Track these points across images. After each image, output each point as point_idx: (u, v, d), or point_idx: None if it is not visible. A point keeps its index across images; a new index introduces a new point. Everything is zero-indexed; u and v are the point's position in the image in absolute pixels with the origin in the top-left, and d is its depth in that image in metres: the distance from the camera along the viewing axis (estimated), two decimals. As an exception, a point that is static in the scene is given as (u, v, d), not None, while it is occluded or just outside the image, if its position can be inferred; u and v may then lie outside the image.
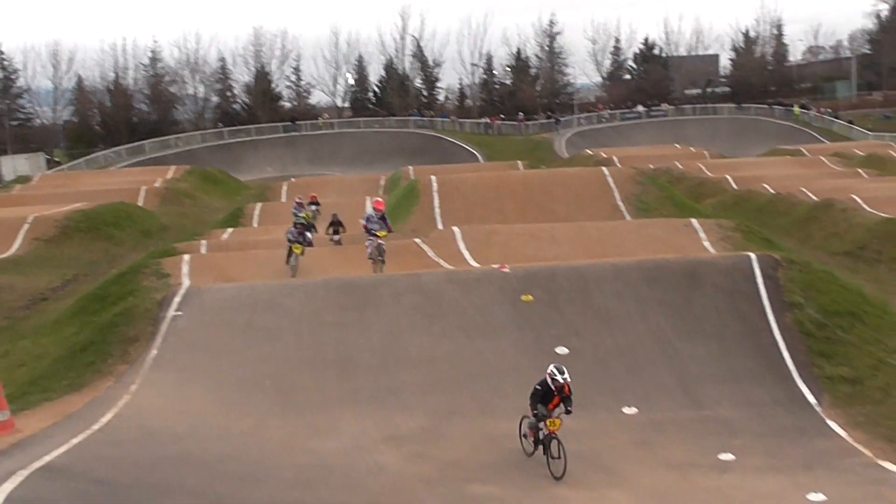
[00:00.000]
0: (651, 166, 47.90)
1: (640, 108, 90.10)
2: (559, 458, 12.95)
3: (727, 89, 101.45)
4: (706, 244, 23.54)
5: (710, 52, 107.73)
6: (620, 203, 33.26)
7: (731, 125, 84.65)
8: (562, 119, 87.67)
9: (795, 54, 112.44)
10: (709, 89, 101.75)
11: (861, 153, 57.79)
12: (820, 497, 12.38)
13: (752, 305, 18.51)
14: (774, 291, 18.75)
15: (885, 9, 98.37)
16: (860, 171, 49.69)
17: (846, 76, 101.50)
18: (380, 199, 24.26)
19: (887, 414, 15.23)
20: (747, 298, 18.69)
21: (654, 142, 74.04)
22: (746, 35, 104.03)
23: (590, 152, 65.58)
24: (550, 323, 18.28)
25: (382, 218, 22.26)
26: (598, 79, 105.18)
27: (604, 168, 40.94)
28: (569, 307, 18.75)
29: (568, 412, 13.16)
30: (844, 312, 18.52)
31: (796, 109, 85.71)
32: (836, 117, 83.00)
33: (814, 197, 37.60)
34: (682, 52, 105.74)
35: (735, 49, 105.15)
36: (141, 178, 53.04)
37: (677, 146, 68.05)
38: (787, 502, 12.29)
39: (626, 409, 15.87)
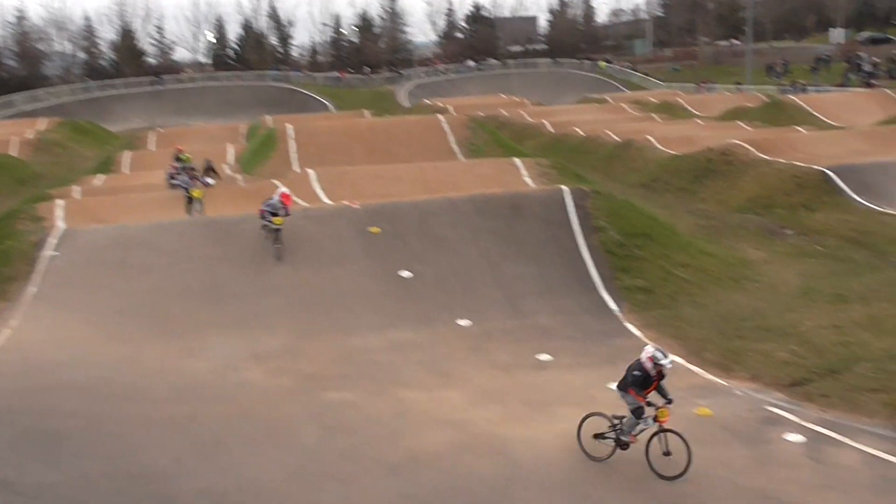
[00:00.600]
0: (480, 114, 48.26)
1: (471, 63, 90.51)
2: (670, 454, 10.13)
3: (545, 46, 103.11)
4: (527, 180, 24.12)
5: (530, 14, 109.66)
6: (455, 146, 33.54)
7: (549, 77, 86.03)
8: (403, 73, 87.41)
9: (601, 16, 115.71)
10: (529, 46, 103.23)
11: (655, 101, 59.85)
12: (619, 385, 13.16)
13: (565, 230, 19.21)
14: (583, 218, 19.49)
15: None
16: (654, 115, 51.55)
17: (643, 35, 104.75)
18: (287, 192, 19.33)
19: (673, 316, 16.20)
20: (561, 225, 19.37)
21: (483, 92, 74.50)
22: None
23: (428, 102, 65.49)
24: (395, 251, 18.48)
25: (284, 208, 18.52)
26: (434, 37, 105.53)
27: (440, 116, 41.07)
28: (411, 237, 18.98)
29: (669, 401, 10.33)
30: (640, 234, 19.45)
31: (602, 64, 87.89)
32: (635, 70, 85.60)
33: (616, 138, 38.80)
34: (507, 13, 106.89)
35: (551, 12, 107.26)
36: (12, 129, 49.63)
37: (503, 96, 68.75)
38: (592, 390, 12.97)
39: (461, 322, 16.29)
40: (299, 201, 22.37)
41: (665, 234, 20.40)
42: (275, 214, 18.36)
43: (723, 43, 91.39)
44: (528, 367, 14.25)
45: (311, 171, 25.45)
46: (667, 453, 10.14)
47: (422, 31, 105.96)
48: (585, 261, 18.25)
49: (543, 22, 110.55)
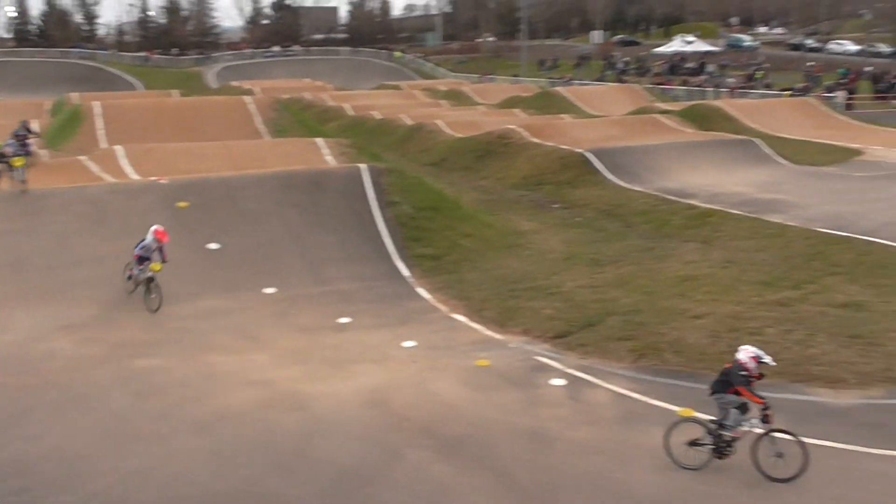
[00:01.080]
0: (285, 96, 47.16)
1: (277, 48, 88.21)
2: (782, 455, 9.01)
3: (345, 35, 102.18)
4: (328, 158, 23.82)
5: (332, 4, 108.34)
6: (260, 126, 32.46)
7: (349, 64, 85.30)
8: (211, 55, 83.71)
9: (397, 10, 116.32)
10: (331, 35, 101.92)
11: (444, 89, 60.83)
12: (412, 343, 13.40)
13: (363, 204, 19.19)
14: (379, 193, 19.54)
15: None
16: (443, 102, 52.43)
17: (434, 29, 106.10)
18: (162, 229, 15.01)
19: (458, 280, 16.64)
20: (359, 199, 19.33)
21: (288, 76, 72.67)
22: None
23: (235, 84, 63.09)
24: (203, 224, 17.71)
25: (160, 249, 14.82)
26: (241, 23, 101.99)
27: (246, 97, 39.65)
28: (218, 211, 18.27)
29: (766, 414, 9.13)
30: (429, 207, 19.79)
31: (397, 54, 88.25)
32: (426, 60, 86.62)
33: (410, 121, 39.11)
34: (310, 3, 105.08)
35: (351, 3, 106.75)
36: None
37: (307, 80, 67.47)
38: (388, 348, 13.14)
39: (267, 290, 15.94)
40: (107, 177, 20.99)
41: (451, 207, 20.85)
42: (146, 259, 14.64)
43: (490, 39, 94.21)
44: (330, 329, 14.18)
45: (118, 147, 23.82)
46: (779, 455, 9.05)
47: (229, 16, 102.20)
48: (381, 232, 18.34)
49: (344, 12, 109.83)
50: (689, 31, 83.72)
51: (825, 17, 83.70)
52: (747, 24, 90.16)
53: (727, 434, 9.32)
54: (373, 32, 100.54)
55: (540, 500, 8.92)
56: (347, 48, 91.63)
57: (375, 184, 19.86)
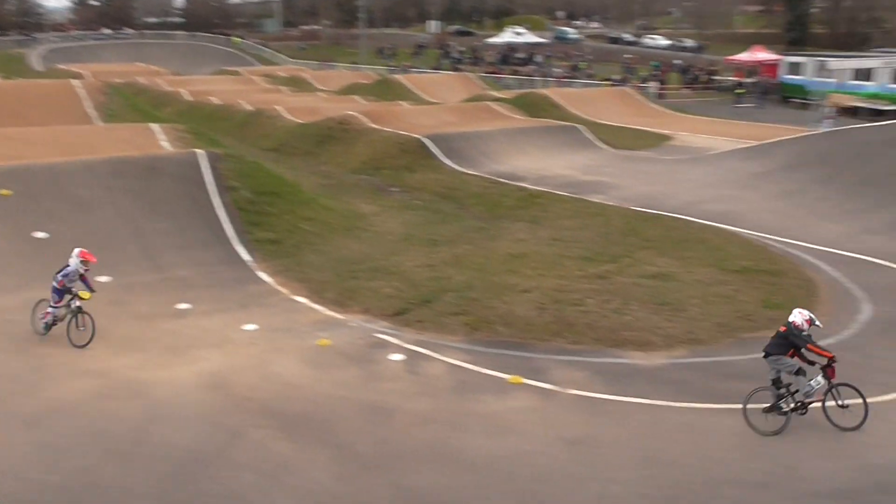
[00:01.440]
0: (118, 80, 44.64)
1: (107, 30, 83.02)
2: (846, 406, 9.52)
3: (181, 19, 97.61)
4: (164, 143, 22.71)
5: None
6: (91, 111, 30.44)
7: (185, 49, 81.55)
8: (36, 37, 77.51)
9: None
10: (166, 18, 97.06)
11: (284, 75, 59.65)
12: (253, 326, 13.16)
13: (201, 189, 18.46)
14: (217, 178, 18.87)
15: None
16: (283, 88, 51.41)
17: (272, 15, 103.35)
18: (87, 251, 12.40)
19: (298, 263, 16.43)
20: (197, 184, 18.59)
21: (120, 60, 68.75)
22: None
23: (63, 67, 58.99)
24: (28, 213, 16.43)
25: (85, 274, 12.26)
26: (67, 3, 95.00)
27: (74, 80, 37.13)
28: (45, 198, 16.99)
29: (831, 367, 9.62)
30: (269, 192, 19.37)
31: (235, 39, 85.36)
32: (266, 47, 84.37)
33: (249, 107, 38.13)
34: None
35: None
36: None
37: (140, 64, 64.14)
38: (228, 331, 12.85)
39: (100, 278, 14.99)
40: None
41: (291, 192, 20.53)
42: (65, 291, 12.18)
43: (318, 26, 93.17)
44: (169, 315, 13.66)
45: (-71, 133, 21.76)
46: (843, 406, 9.48)
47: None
48: (220, 217, 17.72)
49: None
50: (519, 24, 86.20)
51: (640, 13, 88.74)
52: (572, 17, 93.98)
53: (807, 400, 9.66)
54: (210, 17, 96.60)
55: (380, 469, 9.08)
56: (183, 33, 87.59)
57: (213, 169, 19.15)
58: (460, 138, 28.79)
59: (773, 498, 8.46)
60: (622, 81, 53.04)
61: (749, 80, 50.36)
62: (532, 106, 38.36)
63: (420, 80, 52.98)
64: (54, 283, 12.22)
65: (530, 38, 76.79)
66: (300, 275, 15.68)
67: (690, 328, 13.03)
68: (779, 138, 27.40)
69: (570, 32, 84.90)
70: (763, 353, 10.00)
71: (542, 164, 27.15)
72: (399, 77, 53.89)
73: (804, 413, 9.73)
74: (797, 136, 27.75)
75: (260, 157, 25.67)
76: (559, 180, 24.87)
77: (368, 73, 61.27)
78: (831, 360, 9.56)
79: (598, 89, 48.99)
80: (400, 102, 40.24)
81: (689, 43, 77.32)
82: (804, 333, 9.65)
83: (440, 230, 19.36)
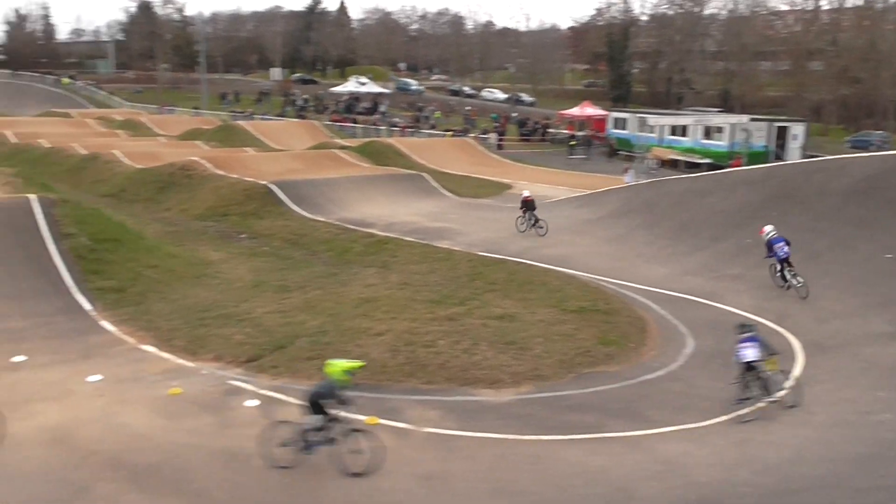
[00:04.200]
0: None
1: (-84, 66, 76.73)
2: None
3: (3, 57, 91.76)
4: (-10, 188, 21.47)
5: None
6: None
7: (7, 88, 76.65)
8: None
9: (63, 34, 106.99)
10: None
11: (120, 118, 57.37)
12: (97, 377, 12.65)
13: (34, 237, 17.62)
14: (52, 225, 18.06)
15: (133, 5, 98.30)
16: (119, 131, 49.45)
17: (106, 56, 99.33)
18: None
19: (144, 311, 15.94)
20: (29, 231, 17.71)
21: (-69, 98, 63.75)
22: (17, 12, 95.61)
23: None
24: None
25: None
26: None
27: None
28: None
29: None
30: (110, 239, 18.71)
31: (65, 79, 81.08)
32: (100, 88, 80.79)
33: (83, 151, 36.46)
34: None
35: (8, 23, 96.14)
36: None
37: (-44, 104, 59.73)
38: (70, 383, 12.27)
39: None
40: None
41: (133, 239, 19.89)
42: None
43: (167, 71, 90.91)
44: (1, 369, 12.84)
45: None
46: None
47: None
48: (57, 265, 16.93)
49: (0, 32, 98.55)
50: (362, 73, 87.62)
51: (478, 67, 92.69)
52: (413, 69, 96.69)
53: None
54: (35, 55, 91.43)
55: (238, 515, 9.01)
56: (5, 71, 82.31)
57: (47, 215, 18.33)
58: (308, 185, 28.89)
59: (613, 518, 9.15)
60: (464, 132, 55.06)
61: (580, 133, 53.76)
62: (378, 154, 39.08)
63: (265, 126, 52.59)
64: None
65: (373, 87, 78.20)
66: (147, 323, 15.20)
67: (535, 365, 13.76)
68: (607, 188, 29.51)
69: (412, 84, 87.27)
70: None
71: (389, 211, 27.73)
72: (243, 123, 53.22)
73: None
74: (624, 185, 30.01)
75: (98, 203, 24.66)
76: (407, 226, 25.49)
77: (210, 118, 60.06)
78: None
79: (440, 139, 50.58)
80: (245, 149, 39.78)
81: (526, 97, 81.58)
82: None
83: (290, 276, 19.34)
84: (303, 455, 9.95)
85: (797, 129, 45.64)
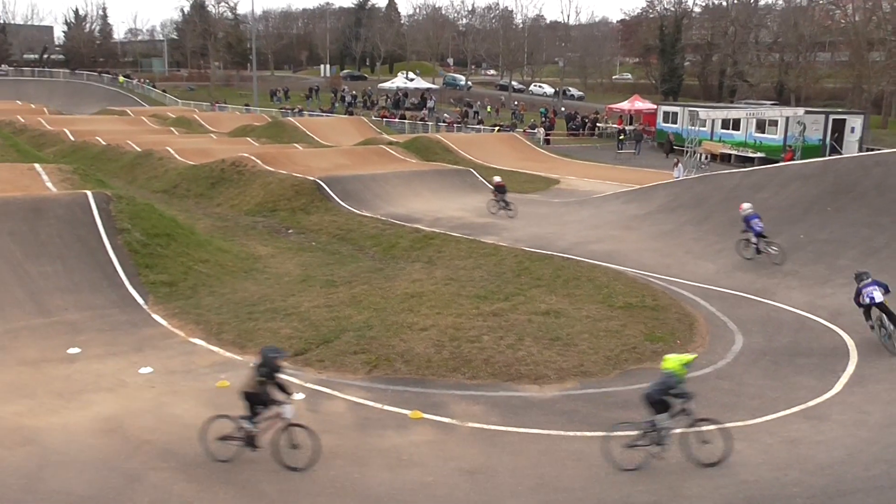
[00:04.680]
0: (-6, 119, 42.82)
1: (-19, 67, 79.45)
2: None
3: (62, 56, 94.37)
4: (49, 184, 22.12)
5: (45, 23, 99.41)
6: (-35, 150, 29.32)
7: (67, 87, 79.01)
8: None
9: (119, 33, 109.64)
10: (45, 55, 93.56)
11: (173, 115, 58.61)
12: (148, 370, 12.96)
13: (90, 231, 18.08)
14: (107, 220, 18.51)
15: (187, 4, 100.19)
16: (172, 129, 50.54)
17: (160, 55, 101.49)
18: None
19: (195, 305, 16.28)
20: (86, 226, 18.19)
21: (-4, 98, 65.90)
22: (76, 12, 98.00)
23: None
24: None
25: None
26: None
27: (-53, 118, 35.52)
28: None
29: None
30: (163, 234, 19.11)
31: (121, 78, 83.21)
32: (154, 87, 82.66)
33: (138, 148, 37.34)
34: (19, 20, 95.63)
35: (67, 23, 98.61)
36: None
37: (18, 102, 61.59)
38: (123, 375, 12.60)
39: (-18, 324, 14.52)
40: None
41: (185, 234, 20.29)
42: None
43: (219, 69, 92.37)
44: (58, 360, 13.25)
45: None
46: None
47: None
48: (111, 259, 17.37)
49: (59, 32, 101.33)
50: (410, 69, 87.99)
51: (526, 62, 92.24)
52: (461, 65, 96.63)
53: None
54: (93, 55, 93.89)
55: (284, 505, 9.15)
56: (65, 70, 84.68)
57: (103, 211, 18.78)
58: (355, 181, 29.13)
59: (658, 516, 9.05)
60: (511, 127, 54.90)
61: (629, 127, 53.15)
62: (424, 149, 39.23)
63: (313, 122, 53.17)
64: None
65: (421, 83, 78.45)
66: (197, 317, 15.51)
67: (581, 361, 13.68)
68: (657, 182, 29.12)
69: (461, 79, 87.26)
70: None
71: (435, 207, 27.80)
72: (292, 119, 53.91)
73: None
74: (673, 180, 29.56)
75: (151, 199, 25.21)
76: (453, 222, 25.53)
77: (261, 115, 60.99)
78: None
79: (488, 134, 50.55)
80: (294, 145, 40.31)
81: (574, 91, 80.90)
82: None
83: (337, 271, 19.53)
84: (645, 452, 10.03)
85: (855, 122, 44.42)
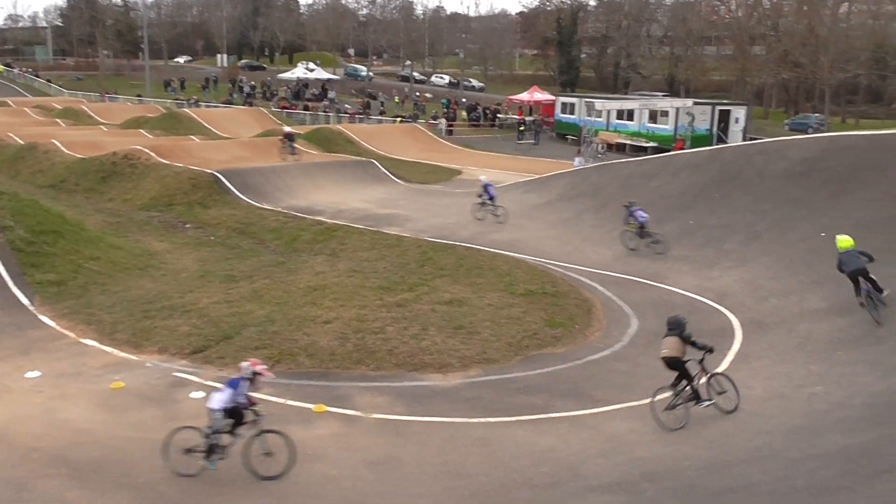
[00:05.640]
0: None
1: None
2: None
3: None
4: (-79, 180, 20.81)
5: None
6: None
7: (-60, 77, 74.23)
8: None
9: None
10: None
11: (59, 106, 55.89)
12: (36, 374, 12.38)
13: (-31, 230, 17.13)
14: (-12, 218, 17.59)
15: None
16: (59, 120, 48.21)
17: (43, 42, 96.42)
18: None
19: (86, 304, 15.63)
20: (-37, 225, 17.22)
21: None
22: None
23: None
24: None
25: None
26: None
27: None
28: None
29: None
30: (49, 231, 18.25)
31: (0, 67, 78.68)
32: (37, 76, 78.50)
33: (20, 141, 35.42)
34: None
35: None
36: None
37: None
38: (7, 380, 11.99)
39: None
40: None
41: (74, 230, 19.42)
42: None
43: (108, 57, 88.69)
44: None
45: None
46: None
47: None
48: (-8, 259, 16.51)
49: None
50: (310, 60, 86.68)
51: (427, 53, 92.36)
52: (362, 55, 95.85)
53: None
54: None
55: (184, 507, 8.93)
56: (-63, 58, 79.57)
57: (-26, 207, 17.78)
58: (255, 173, 28.56)
59: (559, 496, 9.29)
60: (413, 118, 54.93)
61: (529, 118, 54.04)
62: (326, 141, 38.80)
63: (211, 114, 51.70)
64: None
65: (322, 74, 77.41)
66: (88, 317, 14.90)
67: (483, 349, 13.87)
68: (556, 172, 29.75)
69: (362, 70, 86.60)
70: None
71: (338, 198, 27.58)
72: (188, 111, 52.25)
73: None
74: (572, 169, 30.28)
75: (37, 194, 23.99)
76: (356, 213, 25.39)
77: (155, 106, 58.85)
78: None
79: (390, 125, 50.41)
80: (190, 137, 39.11)
81: (475, 83, 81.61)
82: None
83: (238, 266, 19.13)
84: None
85: (739, 113, 46.56)
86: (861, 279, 13.25)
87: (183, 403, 11.58)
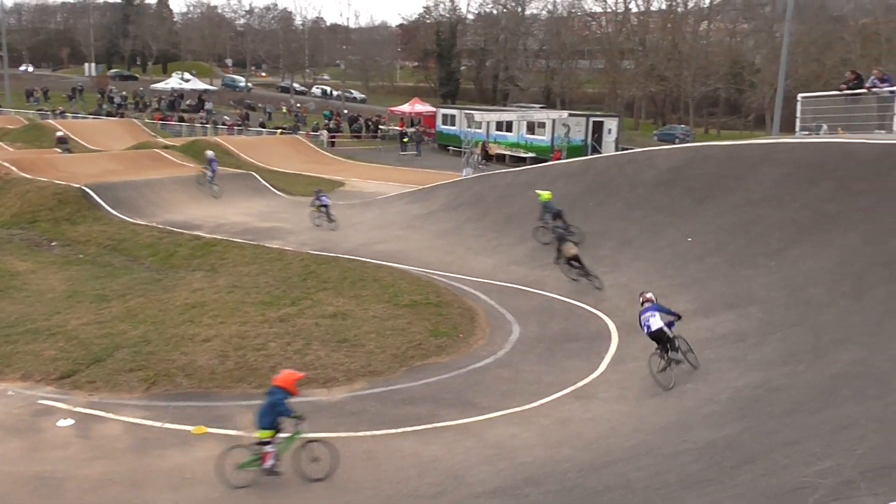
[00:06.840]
0: None
1: None
2: None
3: None
4: None
5: None
6: None
7: None
8: None
9: None
10: None
11: None
12: None
13: None
14: None
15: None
16: None
17: None
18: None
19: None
20: None
21: None
22: None
23: None
24: None
25: None
26: None
27: None
28: None
29: None
30: None
31: None
32: None
33: None
34: None
35: None
36: None
37: None
38: None
39: None
40: None
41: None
42: None
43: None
44: None
45: None
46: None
47: None
48: None
49: None
50: (185, 69, 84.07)
51: (308, 64, 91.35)
52: (240, 65, 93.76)
53: None
54: None
55: (51, 543, 8.40)
56: None
57: None
58: (128, 187, 27.39)
59: (445, 505, 9.33)
60: (294, 130, 54.19)
61: (411, 129, 54.36)
62: (203, 153, 37.64)
63: (78, 125, 49.21)
64: None
65: (198, 84, 75.22)
66: (-60, 344, 13.82)
67: (368, 361, 13.79)
68: (438, 183, 30.02)
69: (240, 80, 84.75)
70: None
71: (217, 212, 26.83)
72: (53, 122, 49.52)
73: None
74: (454, 180, 30.64)
75: None
76: (236, 227, 24.76)
77: (16, 117, 55.46)
78: None
79: (270, 137, 49.56)
80: (55, 150, 37.07)
81: (357, 94, 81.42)
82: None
83: (109, 284, 18.26)
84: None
85: (611, 124, 48.50)
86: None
87: (49, 433, 10.92)
